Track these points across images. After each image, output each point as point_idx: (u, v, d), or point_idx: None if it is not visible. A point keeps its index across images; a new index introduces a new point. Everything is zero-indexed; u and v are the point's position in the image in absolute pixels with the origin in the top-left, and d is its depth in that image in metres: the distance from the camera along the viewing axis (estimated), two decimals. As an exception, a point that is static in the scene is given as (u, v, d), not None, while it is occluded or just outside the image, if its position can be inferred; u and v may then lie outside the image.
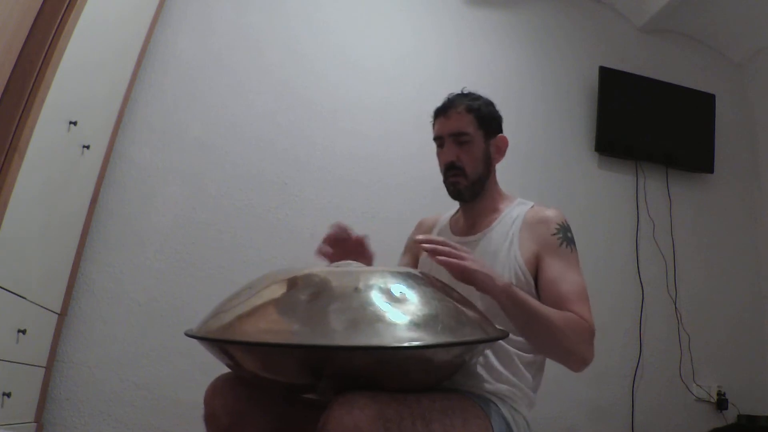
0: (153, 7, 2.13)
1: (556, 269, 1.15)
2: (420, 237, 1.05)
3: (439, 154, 1.29)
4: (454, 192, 1.28)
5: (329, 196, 2.30)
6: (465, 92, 1.30)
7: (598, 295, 2.43)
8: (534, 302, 1.04)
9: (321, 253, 1.23)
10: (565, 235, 1.19)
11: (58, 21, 1.42)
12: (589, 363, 1.08)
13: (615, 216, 2.63)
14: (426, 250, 1.02)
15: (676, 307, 2.55)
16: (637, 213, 2.65)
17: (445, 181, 1.29)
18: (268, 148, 2.27)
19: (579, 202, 2.58)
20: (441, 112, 1.28)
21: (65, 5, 1.43)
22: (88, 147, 1.74)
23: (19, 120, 1.32)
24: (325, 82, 2.41)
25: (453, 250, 1.00)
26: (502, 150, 1.31)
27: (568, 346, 1.05)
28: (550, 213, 1.23)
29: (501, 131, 1.31)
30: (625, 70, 2.75)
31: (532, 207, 1.26)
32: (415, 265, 1.39)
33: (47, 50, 1.39)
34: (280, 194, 2.24)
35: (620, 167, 2.70)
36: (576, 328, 1.06)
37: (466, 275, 0.99)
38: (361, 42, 2.51)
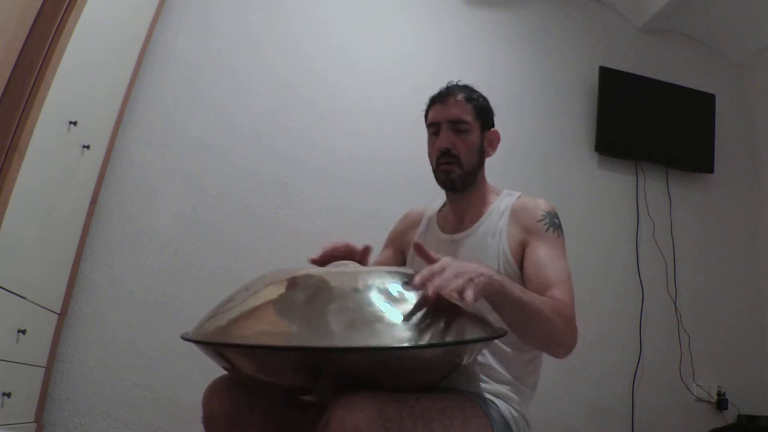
0: (153, 7, 2.13)
1: (542, 253, 1.13)
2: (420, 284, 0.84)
3: (431, 142, 1.28)
4: (446, 181, 1.25)
5: (329, 196, 2.29)
6: (462, 84, 1.29)
7: (598, 295, 2.46)
8: (521, 294, 0.97)
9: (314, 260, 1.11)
10: (552, 221, 1.18)
11: (58, 21, 1.42)
12: (573, 348, 1.05)
13: (615, 216, 2.63)
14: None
15: (676, 307, 2.55)
16: (637, 213, 2.65)
17: (436, 169, 1.26)
18: (268, 148, 2.27)
19: (579, 202, 2.57)
20: (438, 99, 1.27)
21: (65, 5, 1.44)
22: (88, 147, 1.74)
23: (19, 120, 1.32)
24: (325, 82, 2.41)
25: (458, 281, 0.84)
26: (494, 144, 1.30)
27: (556, 335, 1.02)
28: (537, 201, 1.23)
29: (494, 126, 1.31)
30: (625, 70, 2.75)
31: (519, 197, 1.25)
32: (397, 258, 1.39)
33: (47, 50, 1.39)
34: (280, 194, 2.24)
35: (620, 167, 2.70)
36: (563, 316, 1.02)
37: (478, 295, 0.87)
38: (361, 42, 2.51)
